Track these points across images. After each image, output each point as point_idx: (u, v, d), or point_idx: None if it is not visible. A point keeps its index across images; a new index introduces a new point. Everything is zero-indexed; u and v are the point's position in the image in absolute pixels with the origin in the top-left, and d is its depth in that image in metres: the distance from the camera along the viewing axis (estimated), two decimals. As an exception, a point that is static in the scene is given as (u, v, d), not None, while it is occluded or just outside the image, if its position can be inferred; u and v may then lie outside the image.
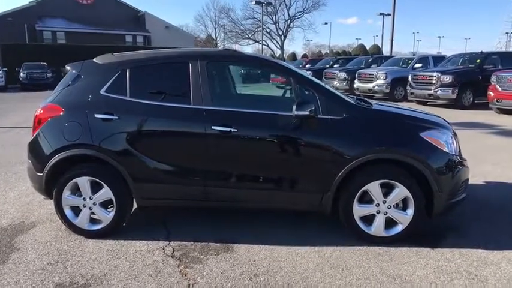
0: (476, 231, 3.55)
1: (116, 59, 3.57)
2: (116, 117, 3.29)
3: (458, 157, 3.34)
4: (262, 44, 41.87)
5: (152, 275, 2.87)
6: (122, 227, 3.53)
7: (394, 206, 3.23)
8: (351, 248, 3.23)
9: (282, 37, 45.01)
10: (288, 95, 3.52)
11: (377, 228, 3.26)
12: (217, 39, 57.04)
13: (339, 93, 3.42)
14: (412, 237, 3.28)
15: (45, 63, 24.62)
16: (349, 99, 3.42)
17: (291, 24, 45.33)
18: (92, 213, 3.45)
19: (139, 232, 3.55)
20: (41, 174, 3.41)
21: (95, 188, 3.40)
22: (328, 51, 68.39)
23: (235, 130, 3.19)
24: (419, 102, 13.75)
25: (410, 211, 3.21)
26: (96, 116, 3.32)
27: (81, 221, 3.45)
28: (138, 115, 3.32)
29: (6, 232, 3.64)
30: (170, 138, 3.33)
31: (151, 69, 3.47)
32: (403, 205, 3.26)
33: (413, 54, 18.80)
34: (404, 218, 3.23)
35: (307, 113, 3.04)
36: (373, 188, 3.19)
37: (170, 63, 3.49)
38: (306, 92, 3.27)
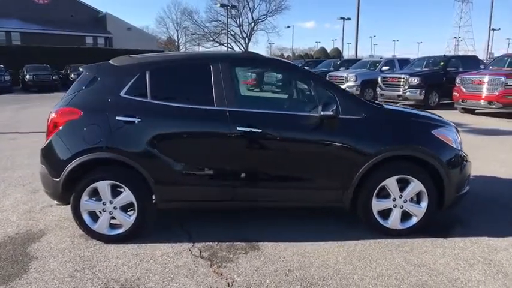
0: (477, 221, 3.83)
1: (135, 61, 3.53)
2: (139, 120, 3.27)
3: (462, 152, 3.60)
4: (227, 47, 41.87)
5: (188, 276, 2.88)
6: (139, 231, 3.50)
7: (409, 200, 3.44)
8: (371, 241, 3.39)
9: (247, 40, 45.37)
10: (303, 96, 3.63)
11: (394, 221, 3.45)
12: (180, 41, 56.50)
13: (355, 95, 3.58)
14: (424, 229, 3.50)
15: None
16: (365, 100, 3.59)
17: (255, 27, 45.79)
18: (112, 217, 3.40)
19: (159, 235, 3.52)
20: (58, 179, 3.31)
21: (115, 191, 3.35)
22: (290, 54, 69.65)
23: (260, 131, 3.26)
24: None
25: (424, 204, 3.43)
26: (118, 118, 3.27)
27: (101, 226, 3.39)
28: (160, 117, 3.31)
29: (16, 241, 3.49)
30: (194, 140, 3.34)
31: (172, 71, 3.48)
32: (417, 199, 3.47)
33: (380, 58, 19.58)
34: (419, 211, 3.44)
35: (331, 113, 3.17)
36: (391, 183, 3.38)
37: (191, 65, 3.51)
38: (326, 94, 3.40)
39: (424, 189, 3.39)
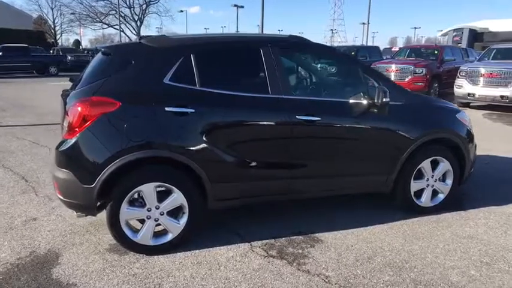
0: (476, 196, 4.32)
1: (174, 42, 3.05)
2: (192, 110, 2.84)
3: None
4: (120, 30, 38.68)
5: (277, 279, 2.66)
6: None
7: (438, 179, 3.72)
8: (411, 221, 3.57)
9: (138, 23, 42.50)
10: (353, 82, 3.58)
11: (426, 199, 3.71)
12: (56, 21, 50.16)
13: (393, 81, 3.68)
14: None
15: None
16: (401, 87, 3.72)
17: (147, 9, 43.13)
18: (157, 224, 2.93)
19: (204, 239, 3.16)
20: (91, 185, 2.71)
21: (160, 194, 2.89)
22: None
23: (319, 119, 3.14)
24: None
25: (450, 181, 3.75)
26: (168, 109, 2.79)
27: (145, 236, 2.89)
28: (215, 107, 2.94)
29: (27, 268, 2.77)
30: (251, 131, 3.05)
31: (218, 54, 3.09)
32: (443, 177, 3.78)
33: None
34: (445, 188, 3.75)
35: (388, 99, 3.22)
36: (426, 165, 3.61)
37: (239, 49, 3.16)
38: (372, 80, 3.42)
39: (450, 168, 3.70)
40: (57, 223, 3.48)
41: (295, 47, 3.43)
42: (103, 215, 2.94)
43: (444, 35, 53.99)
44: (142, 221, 2.95)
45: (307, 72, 3.95)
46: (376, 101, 3.20)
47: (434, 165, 3.67)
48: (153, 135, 2.78)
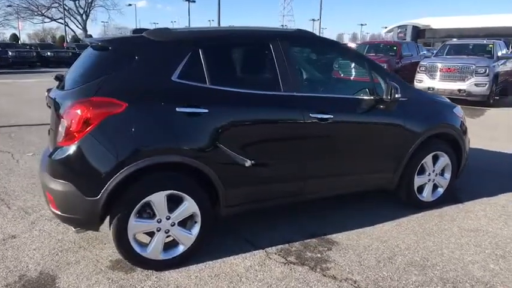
0: (466, 189, 4.43)
1: (180, 35, 2.77)
2: (205, 111, 2.60)
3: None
4: (64, 24, 36.28)
5: (305, 287, 2.51)
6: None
7: (438, 173, 3.76)
8: (415, 216, 3.56)
9: (84, 16, 40.22)
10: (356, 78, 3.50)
11: (428, 194, 3.73)
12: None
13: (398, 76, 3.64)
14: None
15: None
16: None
17: (93, 2, 40.92)
18: (167, 236, 2.66)
19: (214, 248, 2.94)
20: (95, 198, 2.39)
21: (171, 203, 2.63)
22: (130, 35, 65.04)
23: (332, 116, 3.02)
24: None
25: (448, 175, 3.80)
26: (179, 110, 2.53)
27: (155, 250, 2.62)
28: (228, 107, 2.71)
29: (20, 295, 2.39)
30: (266, 131, 2.86)
31: (227, 49, 2.87)
32: (441, 171, 3.82)
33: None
34: (444, 182, 3.80)
35: (399, 95, 3.17)
36: (428, 160, 3.62)
37: (248, 44, 2.95)
38: (380, 76, 3.35)
39: (449, 162, 3.75)
40: (42, 240, 3.08)
41: (303, 41, 3.28)
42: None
43: (389, 31, 56.58)
44: (149, 234, 2.67)
45: (315, 68, 3.82)
46: (387, 97, 3.14)
47: (435, 160, 3.70)
48: (164, 138, 2.51)
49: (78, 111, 2.36)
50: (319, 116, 2.97)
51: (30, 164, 4.96)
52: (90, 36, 40.65)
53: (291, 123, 2.91)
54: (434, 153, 3.64)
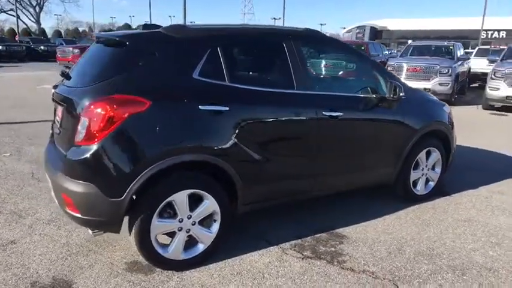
0: (451, 182, 4.69)
1: (199, 32, 2.73)
2: (226, 109, 2.59)
3: None
4: (16, 16, 34.06)
5: (328, 281, 2.59)
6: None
7: (430, 168, 3.97)
8: (411, 209, 3.76)
9: (37, 9, 38.07)
10: (364, 77, 3.61)
11: (421, 188, 3.94)
12: None
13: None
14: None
15: None
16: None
17: (47, -6, 38.82)
18: (189, 236, 2.64)
19: (230, 246, 2.94)
20: (119, 198, 2.32)
21: (190, 203, 2.60)
22: (86, 29, 62.55)
23: (341, 114, 3.11)
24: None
25: (439, 170, 4.03)
26: (202, 108, 2.51)
27: (176, 250, 2.59)
28: (249, 104, 2.72)
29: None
30: (283, 129, 2.90)
31: (245, 48, 2.87)
32: (432, 166, 4.04)
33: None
34: (436, 176, 4.02)
35: (403, 94, 3.32)
36: (422, 156, 3.82)
37: (264, 42, 2.96)
38: (381, 75, 3.48)
39: (440, 157, 3.97)
40: (46, 244, 2.94)
41: (312, 40, 3.35)
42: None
43: (348, 31, 58.31)
44: (169, 234, 2.63)
45: (320, 67, 3.89)
46: (391, 95, 3.28)
47: (428, 155, 3.91)
48: (189, 137, 2.48)
49: (99, 110, 2.28)
50: (331, 113, 3.05)
51: (10, 165, 4.68)
52: (43, 30, 38.56)
53: (305, 120, 2.97)
54: (427, 148, 3.84)
